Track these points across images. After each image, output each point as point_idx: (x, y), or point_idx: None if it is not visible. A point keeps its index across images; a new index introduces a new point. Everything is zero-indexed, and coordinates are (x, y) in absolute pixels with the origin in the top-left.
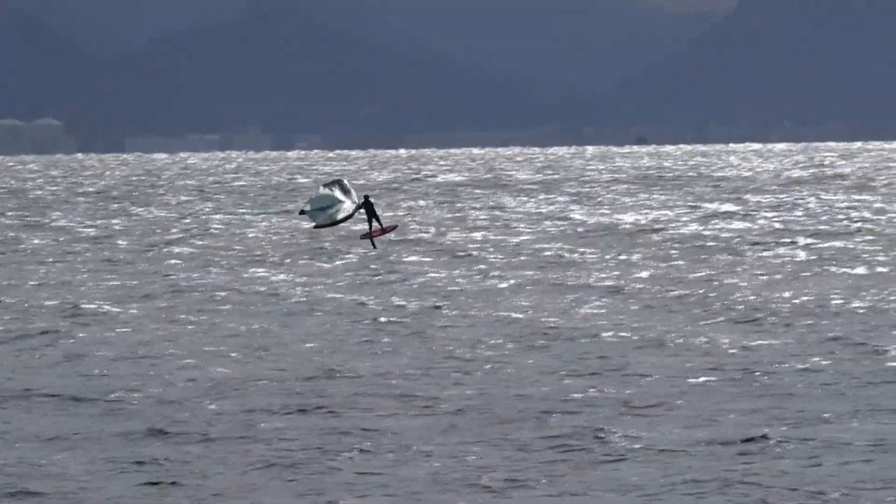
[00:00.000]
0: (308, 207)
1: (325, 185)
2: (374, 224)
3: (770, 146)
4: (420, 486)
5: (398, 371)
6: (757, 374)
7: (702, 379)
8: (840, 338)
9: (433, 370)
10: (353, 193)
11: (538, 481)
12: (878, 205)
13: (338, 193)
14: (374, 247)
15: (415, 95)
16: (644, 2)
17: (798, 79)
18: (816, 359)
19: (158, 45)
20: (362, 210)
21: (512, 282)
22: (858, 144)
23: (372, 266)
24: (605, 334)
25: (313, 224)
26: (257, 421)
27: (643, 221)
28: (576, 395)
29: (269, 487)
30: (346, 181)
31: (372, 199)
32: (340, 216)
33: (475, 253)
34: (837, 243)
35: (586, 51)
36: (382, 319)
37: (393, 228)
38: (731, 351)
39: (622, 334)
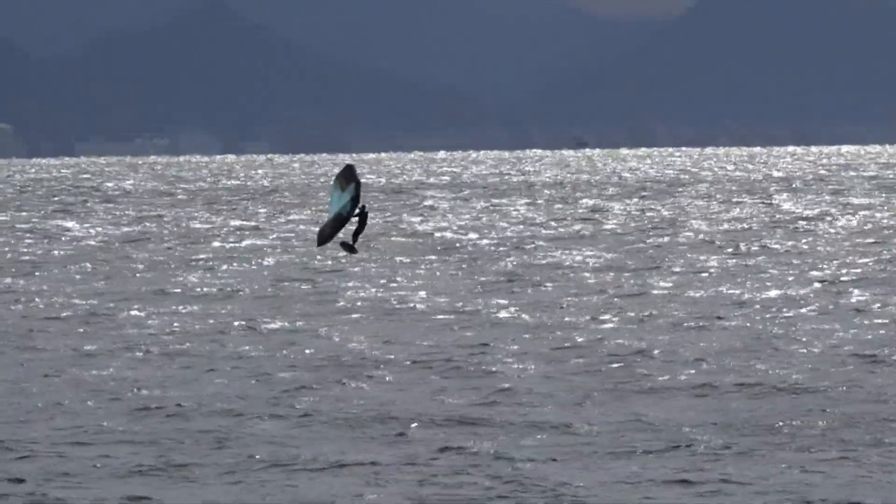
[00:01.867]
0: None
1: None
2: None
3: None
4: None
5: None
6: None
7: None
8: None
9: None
10: (353, 186)
11: None
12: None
13: (338, 190)
14: (355, 250)
15: (360, 103)
16: (590, 7)
17: (745, 83)
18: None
19: (102, 47)
20: (355, 219)
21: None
22: (792, 148)
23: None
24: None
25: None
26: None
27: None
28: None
29: None
30: (354, 169)
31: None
32: (331, 227)
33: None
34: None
35: (533, 56)
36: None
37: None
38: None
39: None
